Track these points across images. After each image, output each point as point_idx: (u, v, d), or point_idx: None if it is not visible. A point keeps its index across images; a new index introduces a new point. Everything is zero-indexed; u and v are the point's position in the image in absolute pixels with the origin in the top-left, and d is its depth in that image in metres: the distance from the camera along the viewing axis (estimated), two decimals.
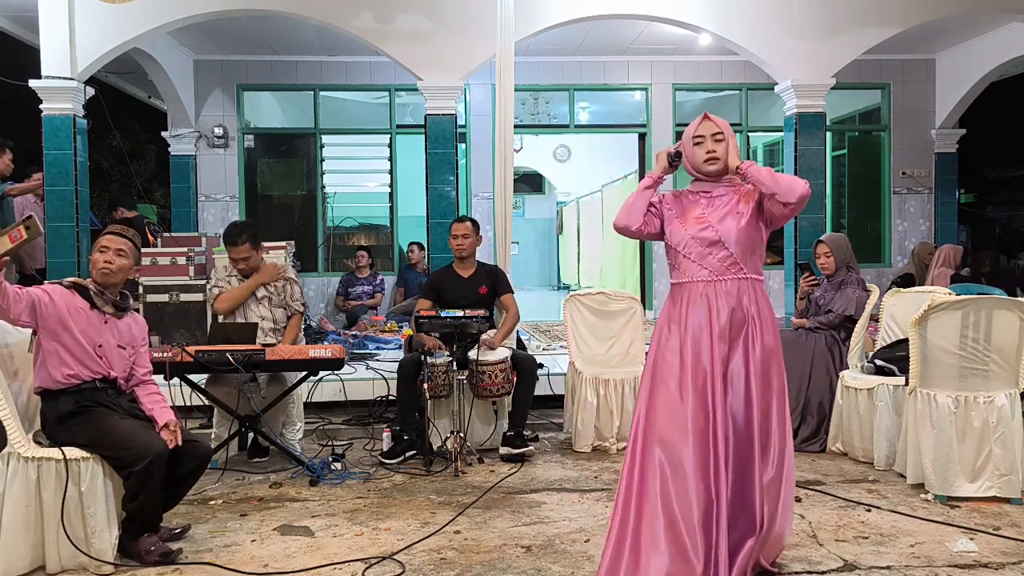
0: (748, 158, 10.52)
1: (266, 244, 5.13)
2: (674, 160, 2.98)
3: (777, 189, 2.74)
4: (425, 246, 8.18)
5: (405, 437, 4.58)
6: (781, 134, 8.70)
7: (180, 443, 3.25)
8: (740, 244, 2.80)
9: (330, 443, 4.92)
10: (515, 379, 4.70)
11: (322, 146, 9.93)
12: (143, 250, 6.51)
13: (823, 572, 3.00)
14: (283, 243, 6.81)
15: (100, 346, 3.26)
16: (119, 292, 3.39)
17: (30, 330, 3.23)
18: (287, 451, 4.42)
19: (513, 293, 5.13)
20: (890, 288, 5.00)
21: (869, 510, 3.68)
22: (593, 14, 7.12)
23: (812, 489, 3.99)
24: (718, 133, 2.88)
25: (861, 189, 10.40)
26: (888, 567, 3.04)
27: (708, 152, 2.87)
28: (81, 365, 3.22)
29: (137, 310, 6.14)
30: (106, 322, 3.31)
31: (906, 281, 8.67)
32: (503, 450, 4.60)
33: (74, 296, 3.26)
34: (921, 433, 3.85)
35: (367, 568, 3.06)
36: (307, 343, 5.10)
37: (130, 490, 3.09)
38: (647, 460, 2.73)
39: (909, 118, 10.04)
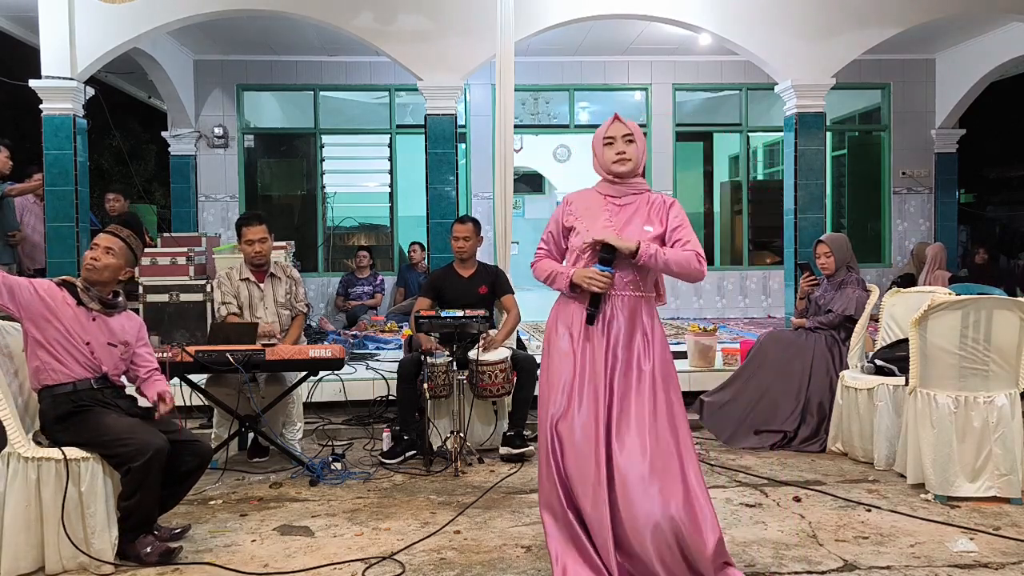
0: (748, 158, 10.61)
1: None
2: (605, 263, 2.84)
3: (676, 276, 2.84)
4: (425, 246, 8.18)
5: (405, 437, 4.58)
6: (781, 134, 8.70)
7: (173, 409, 3.32)
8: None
9: (330, 443, 4.92)
10: (515, 379, 4.71)
11: (322, 146, 9.93)
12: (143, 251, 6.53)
13: (823, 572, 3.00)
14: (283, 243, 6.81)
15: (88, 343, 3.25)
16: (110, 291, 3.38)
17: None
18: (287, 451, 4.42)
19: (514, 294, 5.13)
20: (891, 288, 5.00)
21: (869, 510, 3.68)
22: (593, 14, 7.12)
23: (812, 489, 3.99)
24: (628, 135, 2.91)
25: (861, 189, 10.41)
26: (888, 567, 3.04)
27: (618, 153, 2.90)
28: (73, 360, 3.21)
29: (136, 310, 6.15)
30: (94, 319, 3.30)
31: (907, 281, 8.68)
32: (503, 450, 4.60)
33: (63, 292, 3.27)
34: (921, 433, 3.86)
35: (367, 568, 3.06)
36: (307, 343, 5.10)
37: (128, 487, 3.09)
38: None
39: (909, 118, 10.04)
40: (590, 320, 2.82)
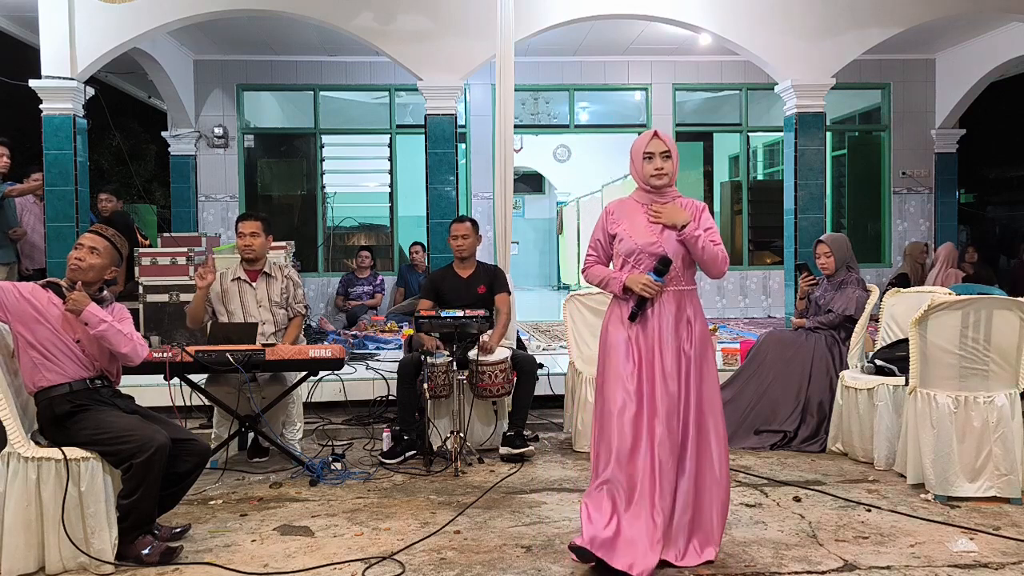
0: (748, 158, 10.61)
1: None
2: (633, 314, 3.12)
3: (702, 264, 3.16)
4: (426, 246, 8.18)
5: (405, 437, 4.58)
6: (781, 134, 8.70)
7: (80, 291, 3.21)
8: (680, 257, 3.12)
9: (330, 443, 4.92)
10: (515, 379, 4.70)
11: (322, 146, 9.93)
12: (142, 251, 6.52)
13: (823, 572, 3.00)
14: (283, 243, 6.81)
15: (79, 341, 3.25)
16: (96, 288, 3.36)
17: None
18: (287, 451, 4.41)
19: (509, 293, 5.13)
20: (887, 290, 5.00)
21: (869, 510, 3.68)
22: (593, 14, 7.12)
23: (812, 489, 3.99)
24: (666, 151, 3.15)
25: (861, 189, 10.41)
26: (888, 567, 3.04)
27: (656, 168, 3.14)
28: (66, 359, 3.21)
29: (136, 310, 6.15)
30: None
31: (902, 281, 8.69)
32: (503, 450, 4.60)
33: (48, 293, 3.26)
34: (921, 433, 3.86)
35: (367, 568, 3.06)
36: (307, 343, 5.10)
37: (128, 484, 3.08)
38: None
39: (909, 118, 10.04)
40: (632, 318, 3.11)
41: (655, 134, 3.17)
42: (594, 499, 3.06)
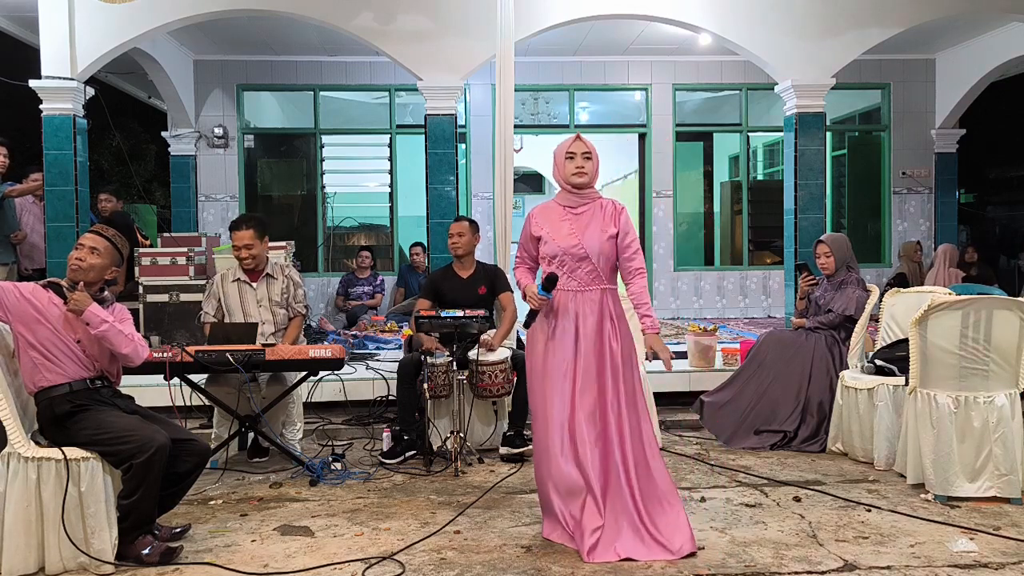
0: (748, 158, 10.61)
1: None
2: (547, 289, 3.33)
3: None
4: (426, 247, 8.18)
5: (405, 437, 4.58)
6: (781, 134, 8.70)
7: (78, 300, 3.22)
8: (602, 259, 3.31)
9: (330, 443, 4.92)
10: (515, 379, 4.70)
11: (322, 146, 9.93)
12: (142, 251, 6.52)
13: (823, 572, 3.01)
14: (283, 243, 6.81)
15: (79, 341, 3.25)
16: (96, 288, 3.37)
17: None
18: (287, 451, 4.42)
19: (512, 292, 5.13)
20: (886, 291, 5.00)
21: (869, 510, 3.69)
22: (593, 14, 7.12)
23: (812, 489, 3.99)
24: (587, 152, 3.35)
25: (861, 189, 10.40)
26: (888, 567, 3.04)
27: (577, 167, 3.33)
28: (67, 359, 3.21)
29: (136, 311, 6.15)
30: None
31: (900, 281, 8.70)
32: (503, 450, 4.60)
33: (48, 293, 3.27)
34: (921, 433, 3.86)
35: (367, 568, 3.06)
36: (307, 343, 5.10)
37: (128, 484, 3.08)
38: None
39: (909, 118, 10.03)
40: (525, 324, 3.39)
41: (578, 136, 3.39)
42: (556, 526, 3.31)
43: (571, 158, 3.34)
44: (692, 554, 3.13)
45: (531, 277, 3.49)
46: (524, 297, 3.40)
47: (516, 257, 3.56)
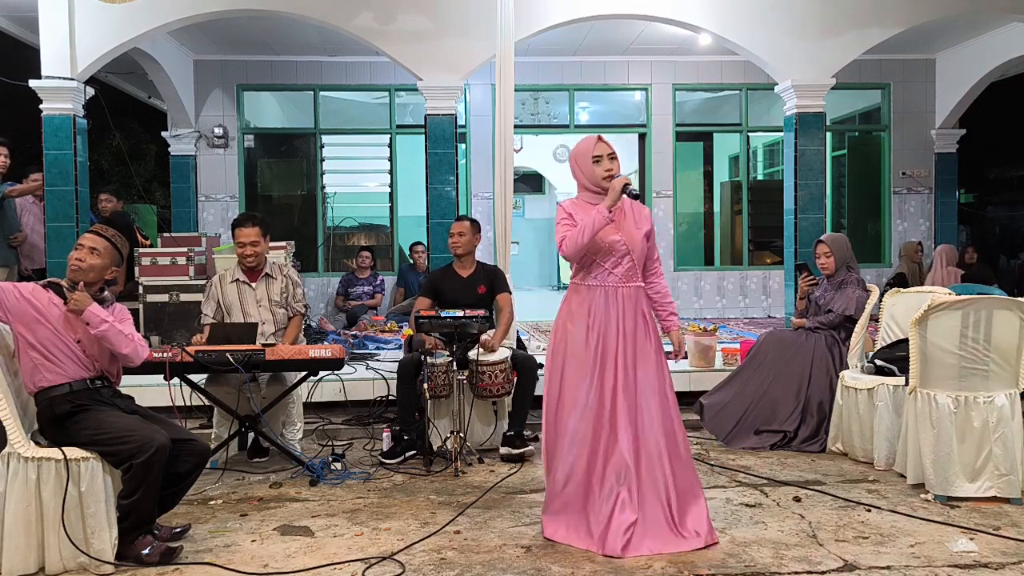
0: (748, 158, 10.61)
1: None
2: (630, 192, 3.29)
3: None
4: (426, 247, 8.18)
5: (405, 437, 4.58)
6: (781, 134, 8.70)
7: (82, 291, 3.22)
8: (640, 255, 3.38)
9: (330, 443, 4.92)
10: (515, 379, 4.70)
11: (322, 146, 9.93)
12: (143, 250, 6.52)
13: (823, 572, 3.01)
14: (283, 243, 6.81)
15: (79, 341, 3.25)
16: (97, 288, 3.37)
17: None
18: (287, 451, 4.42)
19: (510, 293, 5.13)
20: (886, 291, 5.00)
21: (869, 510, 3.69)
22: (593, 14, 7.12)
23: (812, 489, 3.99)
24: (612, 153, 3.38)
25: (861, 189, 10.40)
26: (888, 567, 3.04)
27: (606, 170, 3.34)
28: (67, 359, 3.21)
29: (136, 311, 6.14)
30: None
31: (900, 281, 8.71)
32: (503, 450, 4.60)
33: (48, 293, 3.26)
34: (921, 433, 3.86)
35: (367, 568, 3.06)
36: (307, 343, 5.10)
37: (128, 484, 3.08)
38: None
39: (909, 118, 10.04)
40: (636, 197, 3.33)
41: (599, 138, 3.39)
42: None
43: (598, 161, 3.35)
44: (715, 543, 3.23)
45: (584, 221, 3.28)
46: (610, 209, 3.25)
47: (563, 234, 3.33)
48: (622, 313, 3.32)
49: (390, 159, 9.91)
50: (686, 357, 3.73)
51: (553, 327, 3.48)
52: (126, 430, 3.11)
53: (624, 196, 3.29)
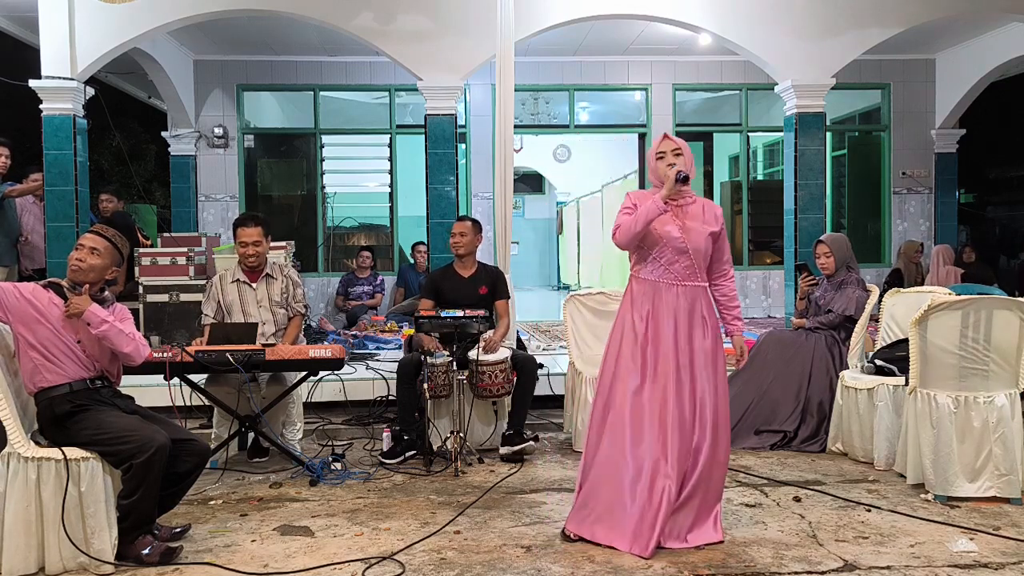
0: (748, 158, 10.61)
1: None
2: (678, 177, 3.27)
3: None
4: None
5: (405, 437, 4.58)
6: (781, 134, 8.70)
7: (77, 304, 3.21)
8: (701, 255, 3.34)
9: (330, 443, 4.92)
10: (515, 379, 4.70)
11: (322, 146, 9.93)
12: (143, 251, 6.53)
13: (823, 572, 3.01)
14: (283, 243, 6.81)
15: (79, 341, 3.25)
16: (97, 288, 3.36)
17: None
18: (287, 451, 4.41)
19: (509, 300, 5.13)
20: (884, 288, 5.01)
21: (869, 510, 3.69)
22: (593, 14, 7.12)
23: (812, 489, 3.99)
24: (676, 149, 3.37)
25: (861, 189, 10.40)
26: (888, 567, 3.04)
27: (668, 165, 3.34)
28: (67, 359, 3.21)
29: (136, 311, 6.14)
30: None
31: (895, 277, 8.73)
32: (503, 450, 4.60)
33: (48, 293, 3.26)
34: (921, 433, 3.86)
35: (367, 568, 3.06)
36: (307, 343, 5.09)
37: (128, 484, 3.08)
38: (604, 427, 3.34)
39: (909, 118, 10.03)
40: (685, 181, 3.28)
41: (665, 136, 3.43)
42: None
43: (662, 157, 3.37)
44: (720, 542, 3.28)
45: (639, 211, 3.27)
46: (665, 199, 3.26)
47: (622, 218, 3.33)
48: (679, 311, 3.30)
49: (390, 159, 9.91)
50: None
51: (617, 312, 3.46)
52: (126, 430, 3.11)
53: (679, 186, 3.26)
